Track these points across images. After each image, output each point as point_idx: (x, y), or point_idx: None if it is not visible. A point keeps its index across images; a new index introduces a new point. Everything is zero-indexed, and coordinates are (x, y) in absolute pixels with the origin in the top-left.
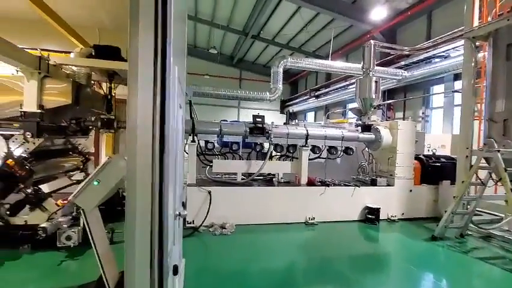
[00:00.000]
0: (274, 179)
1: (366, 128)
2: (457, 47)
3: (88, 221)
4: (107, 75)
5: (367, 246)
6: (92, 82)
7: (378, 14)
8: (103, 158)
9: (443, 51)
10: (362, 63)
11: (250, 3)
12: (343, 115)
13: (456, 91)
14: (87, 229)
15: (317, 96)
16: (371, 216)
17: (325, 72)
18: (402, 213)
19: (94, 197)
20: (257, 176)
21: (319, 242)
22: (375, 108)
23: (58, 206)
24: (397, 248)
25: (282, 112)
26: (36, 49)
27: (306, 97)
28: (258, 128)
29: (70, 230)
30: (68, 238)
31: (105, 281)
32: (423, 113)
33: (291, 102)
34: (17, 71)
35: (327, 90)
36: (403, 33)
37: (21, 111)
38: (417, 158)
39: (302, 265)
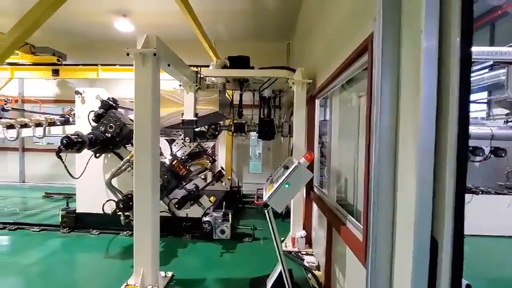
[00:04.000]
0: None
1: None
2: None
3: (271, 220)
4: (239, 83)
5: None
6: None
7: None
8: (221, 158)
9: None
10: None
11: None
12: None
13: None
14: (270, 227)
15: None
16: None
17: None
18: None
19: (284, 198)
20: None
21: (478, 260)
22: None
23: (211, 202)
24: None
25: None
26: (195, 66)
27: None
28: None
29: (223, 224)
30: (222, 232)
31: (285, 278)
32: None
33: None
34: (180, 85)
35: None
36: None
37: (182, 120)
38: None
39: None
